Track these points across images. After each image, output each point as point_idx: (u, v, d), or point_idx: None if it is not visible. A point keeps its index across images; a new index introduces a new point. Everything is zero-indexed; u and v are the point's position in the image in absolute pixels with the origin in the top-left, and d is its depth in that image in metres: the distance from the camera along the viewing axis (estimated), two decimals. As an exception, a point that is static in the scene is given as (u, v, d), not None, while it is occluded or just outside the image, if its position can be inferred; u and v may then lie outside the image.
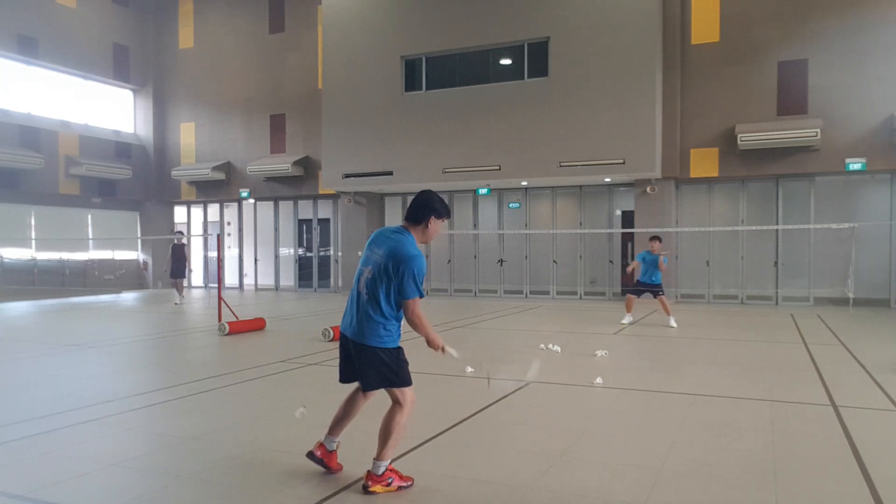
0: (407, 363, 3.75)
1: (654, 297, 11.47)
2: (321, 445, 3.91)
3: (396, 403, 3.70)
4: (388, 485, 3.64)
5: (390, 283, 3.59)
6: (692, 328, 11.07)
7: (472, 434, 4.86)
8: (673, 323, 11.02)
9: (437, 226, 3.80)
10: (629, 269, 11.98)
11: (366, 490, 3.62)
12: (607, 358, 8.01)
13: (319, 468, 3.94)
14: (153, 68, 22.22)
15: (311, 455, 3.90)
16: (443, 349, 3.75)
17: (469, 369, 7.12)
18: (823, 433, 4.79)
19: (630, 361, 8.15)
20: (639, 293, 11.64)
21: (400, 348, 3.73)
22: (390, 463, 3.69)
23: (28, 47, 18.64)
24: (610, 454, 4.36)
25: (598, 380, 6.54)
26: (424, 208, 3.74)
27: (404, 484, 3.70)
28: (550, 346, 8.69)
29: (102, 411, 5.53)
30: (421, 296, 3.63)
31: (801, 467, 4.08)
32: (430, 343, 3.75)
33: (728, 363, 7.72)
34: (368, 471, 3.66)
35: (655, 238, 11.40)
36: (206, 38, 21.55)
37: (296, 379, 6.82)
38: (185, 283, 16.84)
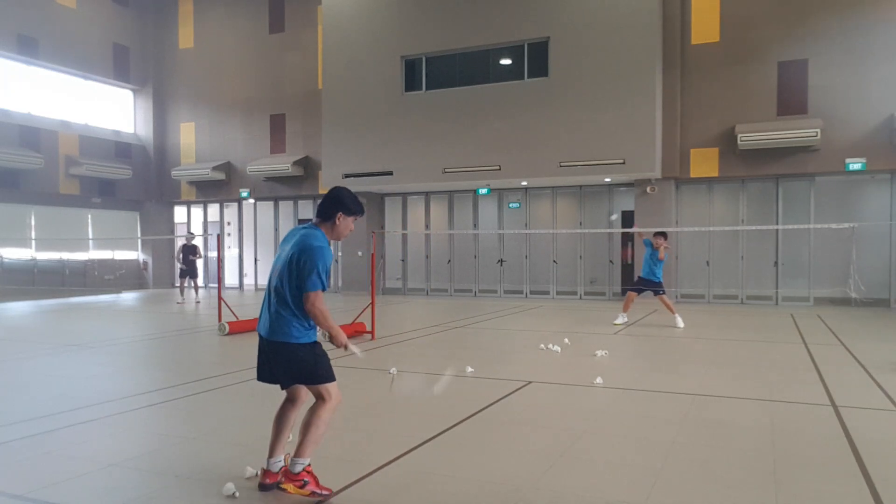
0: (326, 358, 3.63)
1: (655, 295, 11.43)
2: (266, 473, 3.71)
3: (320, 399, 3.59)
4: (302, 486, 3.50)
5: (293, 277, 3.49)
6: (692, 328, 11.06)
7: (472, 434, 4.86)
8: (680, 322, 10.88)
9: (348, 223, 3.68)
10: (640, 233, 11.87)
11: (278, 486, 3.57)
12: (607, 358, 8.01)
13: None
14: (153, 68, 22.23)
15: (262, 487, 3.69)
16: (346, 346, 3.67)
17: (469, 369, 7.12)
18: (823, 433, 4.79)
19: (630, 361, 8.15)
20: (640, 291, 11.54)
21: (316, 343, 3.61)
22: (308, 464, 3.56)
23: (28, 47, 18.64)
24: (610, 454, 4.36)
25: (598, 380, 6.54)
26: (333, 204, 3.63)
27: (319, 491, 3.53)
28: (550, 346, 8.69)
29: (102, 411, 5.53)
30: (324, 289, 3.49)
31: (801, 467, 4.08)
32: (332, 339, 3.63)
33: (728, 363, 7.72)
34: (284, 466, 3.59)
35: (661, 234, 11.26)
36: (206, 38, 21.55)
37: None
38: (187, 284, 16.87)
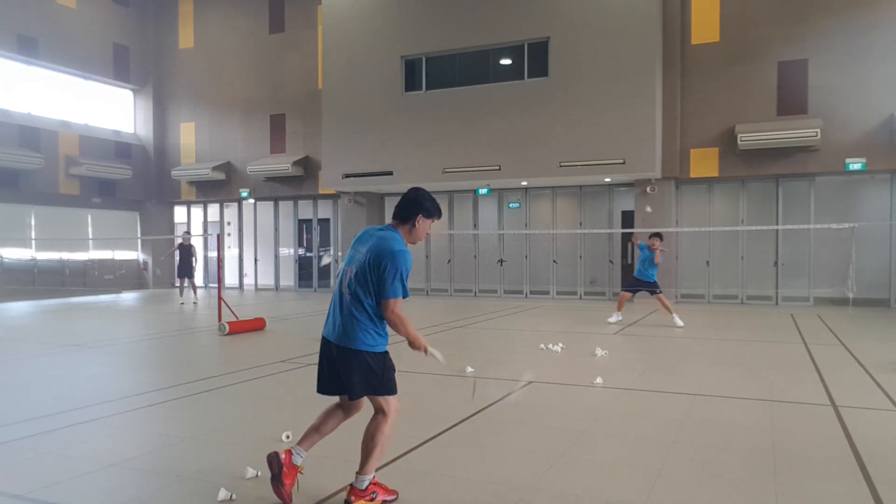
0: (393, 370, 3.54)
1: (652, 295, 11.45)
2: (289, 451, 3.59)
3: (380, 413, 3.48)
4: (372, 499, 3.45)
5: (373, 282, 3.37)
6: (692, 328, 11.06)
7: (472, 434, 4.86)
8: (679, 322, 10.89)
9: (426, 225, 3.59)
10: (634, 238, 12.30)
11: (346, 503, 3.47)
12: (607, 358, 8.01)
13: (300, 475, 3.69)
14: (153, 68, 22.23)
15: (274, 456, 3.54)
16: (426, 350, 3.53)
17: (469, 369, 7.12)
18: (823, 433, 4.79)
19: (630, 361, 8.15)
20: (634, 291, 11.60)
21: (387, 353, 3.51)
22: (374, 476, 3.52)
23: (28, 47, 18.64)
24: (610, 454, 4.36)
25: (598, 380, 6.53)
26: (413, 206, 3.54)
27: (389, 498, 3.51)
28: (550, 346, 8.69)
29: (102, 411, 5.53)
30: (405, 296, 3.38)
31: (801, 467, 4.08)
32: (412, 344, 3.51)
33: (728, 363, 7.72)
34: (351, 485, 3.48)
35: (656, 235, 11.38)
36: (206, 38, 21.55)
37: (296, 379, 6.81)
38: (186, 284, 16.75)
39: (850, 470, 4.01)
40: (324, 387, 3.59)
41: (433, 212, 3.59)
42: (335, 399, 3.69)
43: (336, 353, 3.46)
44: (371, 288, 3.39)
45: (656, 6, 14.97)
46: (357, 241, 3.58)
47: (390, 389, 3.49)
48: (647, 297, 11.96)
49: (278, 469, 3.51)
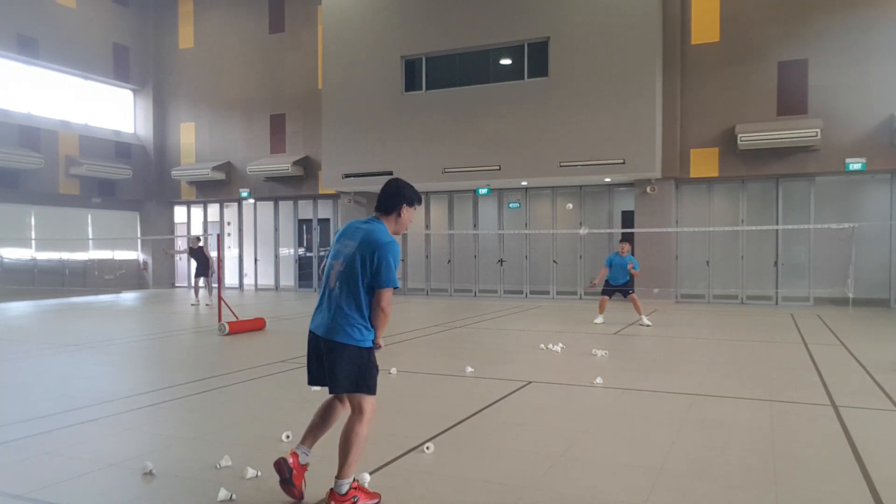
0: (377, 369, 3.53)
1: (625, 296, 11.59)
2: (295, 454, 3.58)
3: (357, 412, 3.45)
4: None
5: (365, 275, 3.37)
6: (692, 328, 11.07)
7: (472, 434, 4.86)
8: (646, 321, 11.17)
9: (410, 214, 3.61)
10: (595, 280, 11.90)
11: None
12: (607, 358, 8.01)
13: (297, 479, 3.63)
14: (153, 68, 22.23)
15: (283, 462, 3.53)
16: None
17: (469, 369, 7.11)
18: (823, 433, 4.79)
19: (630, 361, 8.15)
20: (611, 294, 11.86)
21: (371, 350, 3.50)
22: (354, 480, 3.44)
23: (28, 47, 18.64)
24: (610, 454, 4.35)
25: (598, 380, 6.53)
26: (395, 196, 3.56)
27: (371, 502, 3.44)
28: (550, 345, 8.69)
29: (102, 411, 5.53)
30: (396, 286, 3.40)
31: (801, 467, 4.08)
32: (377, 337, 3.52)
33: (728, 363, 7.72)
34: (331, 489, 3.40)
35: (625, 240, 11.65)
36: (206, 38, 21.55)
37: (296, 379, 6.80)
38: (202, 284, 16.50)
39: (850, 470, 4.00)
40: (314, 379, 3.59)
41: (414, 199, 3.63)
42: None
43: (324, 346, 3.47)
44: (362, 281, 3.40)
45: (656, 6, 14.97)
46: (342, 236, 3.58)
47: (371, 388, 3.49)
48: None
49: (289, 473, 3.53)
